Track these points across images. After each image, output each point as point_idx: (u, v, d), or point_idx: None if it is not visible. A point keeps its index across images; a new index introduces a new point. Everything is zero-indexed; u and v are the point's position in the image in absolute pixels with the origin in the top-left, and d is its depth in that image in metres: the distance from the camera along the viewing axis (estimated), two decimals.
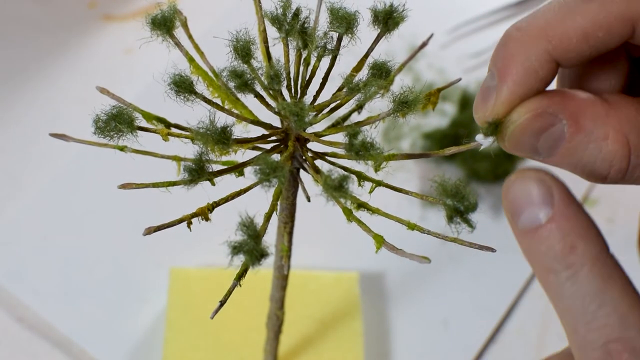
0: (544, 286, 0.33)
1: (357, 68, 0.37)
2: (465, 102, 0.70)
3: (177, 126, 0.35)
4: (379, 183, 0.35)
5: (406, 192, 0.35)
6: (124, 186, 0.35)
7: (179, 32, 0.36)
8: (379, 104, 0.36)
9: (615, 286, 0.31)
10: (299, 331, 0.56)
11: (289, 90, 0.36)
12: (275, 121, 0.36)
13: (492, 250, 0.34)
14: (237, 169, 0.35)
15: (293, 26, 0.36)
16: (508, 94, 0.34)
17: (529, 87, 0.34)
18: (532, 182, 0.32)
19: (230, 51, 0.35)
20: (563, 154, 0.34)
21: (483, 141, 0.34)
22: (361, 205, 0.34)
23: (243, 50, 0.35)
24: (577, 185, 0.68)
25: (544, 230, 0.32)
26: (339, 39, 0.36)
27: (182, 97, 0.34)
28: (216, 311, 0.33)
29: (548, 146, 0.34)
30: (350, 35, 0.36)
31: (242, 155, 0.35)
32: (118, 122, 0.34)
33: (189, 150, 0.34)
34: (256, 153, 0.35)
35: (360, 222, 0.34)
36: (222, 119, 0.34)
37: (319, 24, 0.37)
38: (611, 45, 0.35)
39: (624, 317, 0.31)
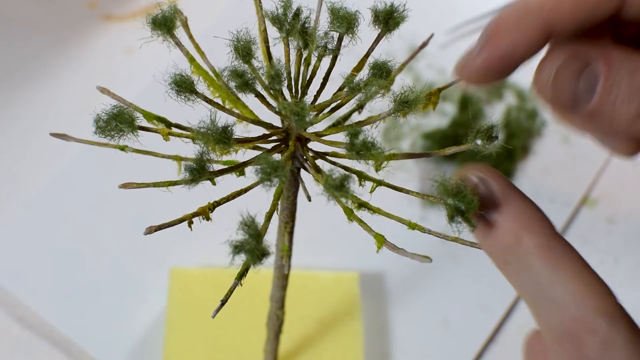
0: (505, 276, 0.35)
1: (358, 68, 0.37)
2: (465, 103, 0.70)
3: (178, 126, 0.35)
4: (379, 183, 0.35)
5: (407, 192, 0.35)
6: (124, 186, 0.35)
7: (180, 32, 0.36)
8: (380, 104, 0.36)
9: (566, 269, 0.33)
10: (299, 331, 0.56)
11: (290, 90, 0.36)
12: (276, 121, 0.36)
13: None
14: (238, 168, 0.35)
15: (294, 26, 0.36)
16: (494, 49, 0.36)
17: (516, 47, 0.36)
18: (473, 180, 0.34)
19: (231, 51, 0.35)
20: (602, 92, 0.35)
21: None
22: (362, 205, 0.34)
23: (244, 50, 0.35)
24: (576, 186, 0.68)
25: (491, 228, 0.34)
26: (340, 39, 0.36)
27: (182, 97, 0.34)
28: (217, 310, 0.33)
29: (587, 87, 0.36)
30: (350, 35, 0.36)
31: (243, 154, 0.35)
32: (119, 121, 0.34)
33: (189, 149, 0.34)
34: (257, 153, 0.35)
35: (361, 222, 0.34)
36: (223, 118, 0.34)
37: (319, 24, 0.37)
38: (604, 11, 0.36)
39: (577, 297, 0.33)
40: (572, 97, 0.36)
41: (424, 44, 0.40)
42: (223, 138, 0.33)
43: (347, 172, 0.33)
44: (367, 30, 0.37)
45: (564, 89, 0.36)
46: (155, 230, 0.33)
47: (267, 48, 0.37)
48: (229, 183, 0.35)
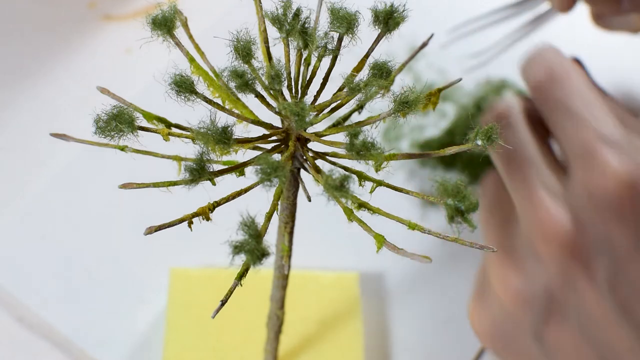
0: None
1: (358, 68, 0.37)
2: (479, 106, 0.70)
3: (177, 126, 0.35)
4: (379, 183, 0.35)
5: (407, 192, 0.35)
6: (124, 186, 0.35)
7: (180, 32, 0.36)
8: (380, 104, 0.36)
9: None
10: (299, 331, 0.56)
11: (290, 90, 0.36)
12: (276, 121, 0.36)
13: (493, 250, 0.34)
14: (238, 168, 0.35)
15: (294, 26, 0.36)
16: None
17: None
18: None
19: (231, 51, 0.35)
20: None
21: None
22: (362, 205, 0.34)
23: (244, 50, 0.35)
24: None
25: None
26: (340, 39, 0.36)
27: (182, 97, 0.34)
28: (217, 310, 0.33)
29: None
30: (350, 35, 0.36)
31: (243, 155, 0.35)
32: (119, 122, 0.34)
33: (189, 150, 0.34)
34: (257, 153, 0.35)
35: (361, 222, 0.34)
36: (222, 118, 0.34)
37: (319, 24, 0.37)
38: None
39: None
40: None
41: (424, 44, 0.40)
42: (223, 138, 0.33)
43: (347, 173, 0.33)
44: (367, 31, 0.37)
45: None
46: (155, 231, 0.33)
47: (267, 48, 0.37)
48: (229, 183, 0.35)
